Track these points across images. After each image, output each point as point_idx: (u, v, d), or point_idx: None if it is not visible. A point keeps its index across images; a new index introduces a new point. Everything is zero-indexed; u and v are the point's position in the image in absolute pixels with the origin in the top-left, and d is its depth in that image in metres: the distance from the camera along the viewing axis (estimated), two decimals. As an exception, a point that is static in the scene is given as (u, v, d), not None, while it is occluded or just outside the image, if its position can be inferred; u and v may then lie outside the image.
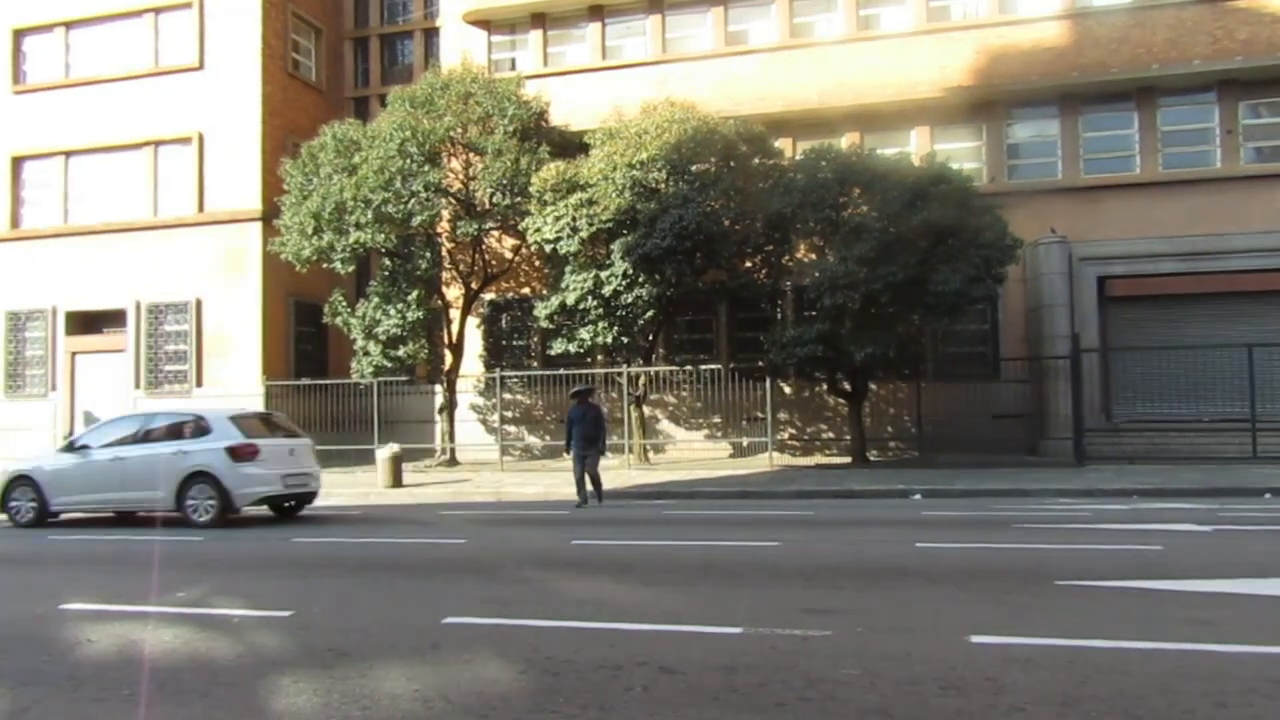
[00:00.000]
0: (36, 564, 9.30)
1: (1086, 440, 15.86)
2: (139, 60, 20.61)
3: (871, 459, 17.49)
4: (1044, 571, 6.96)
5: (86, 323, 20.79)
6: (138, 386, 20.07)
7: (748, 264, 17.40)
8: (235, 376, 19.44)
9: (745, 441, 18.53)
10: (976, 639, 4.97)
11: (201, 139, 19.95)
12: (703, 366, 18.15)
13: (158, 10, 20.47)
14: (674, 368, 18.73)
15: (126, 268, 20.21)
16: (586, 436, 12.88)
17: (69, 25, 21.16)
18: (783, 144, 18.69)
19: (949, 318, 15.80)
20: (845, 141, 18.58)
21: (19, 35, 21.52)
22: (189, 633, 5.75)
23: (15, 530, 12.00)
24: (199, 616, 6.19)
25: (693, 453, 19.09)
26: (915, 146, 18.83)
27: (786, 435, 19.09)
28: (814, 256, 16.90)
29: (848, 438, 17.83)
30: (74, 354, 20.73)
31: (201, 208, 19.91)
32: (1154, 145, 18.08)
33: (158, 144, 20.35)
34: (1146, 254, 17.54)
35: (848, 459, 17.48)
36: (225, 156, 19.86)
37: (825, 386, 17.87)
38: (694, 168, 16.52)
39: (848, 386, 17.03)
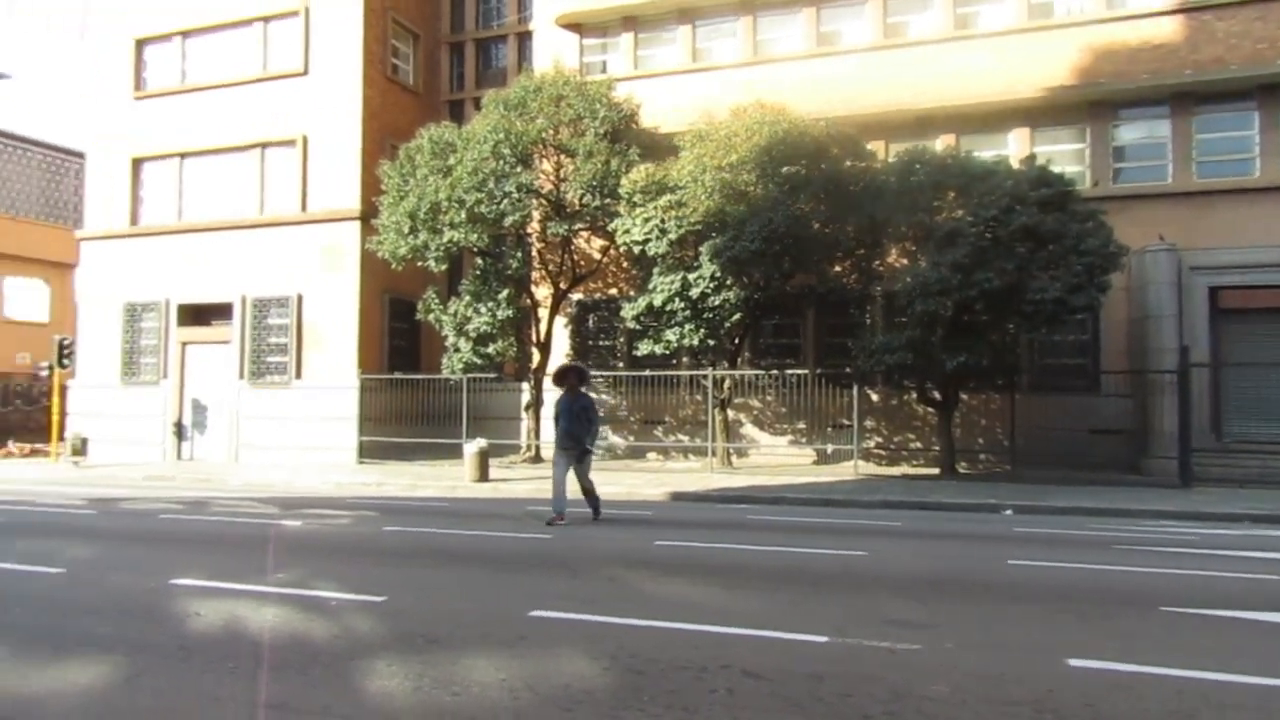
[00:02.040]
0: (148, 541, 9.81)
1: (1194, 460, 15.10)
2: (249, 67, 21.53)
3: (961, 471, 17.02)
4: (1148, 596, 6.66)
5: (196, 315, 21.83)
6: (241, 377, 20.96)
7: (837, 268, 17.16)
8: (332, 369, 20.13)
9: (830, 448, 18.28)
10: (1075, 662, 4.80)
11: (305, 141, 20.73)
12: (788, 371, 17.97)
13: (267, 19, 21.36)
14: (759, 371, 18.60)
15: (234, 263, 21.14)
16: (572, 433, 10.79)
17: (185, 34, 22.26)
18: (875, 146, 18.36)
19: (1047, 327, 15.26)
20: (940, 144, 18.15)
21: (141, 45, 22.73)
22: (289, 612, 5.99)
23: (129, 509, 12.68)
24: (298, 597, 6.43)
25: (776, 458, 18.93)
26: (1014, 149, 18.25)
27: (872, 443, 18.74)
28: (905, 261, 16.55)
29: (936, 448, 17.40)
30: (184, 344, 21.78)
31: (304, 207, 20.68)
32: (1276, 147, 17.09)
33: (265, 146, 21.23)
34: (1264, 264, 16.58)
35: (935, 470, 17.06)
36: (327, 158, 20.59)
37: (914, 395, 17.49)
38: (784, 170, 16.37)
39: (937, 395, 16.62)
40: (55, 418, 21.96)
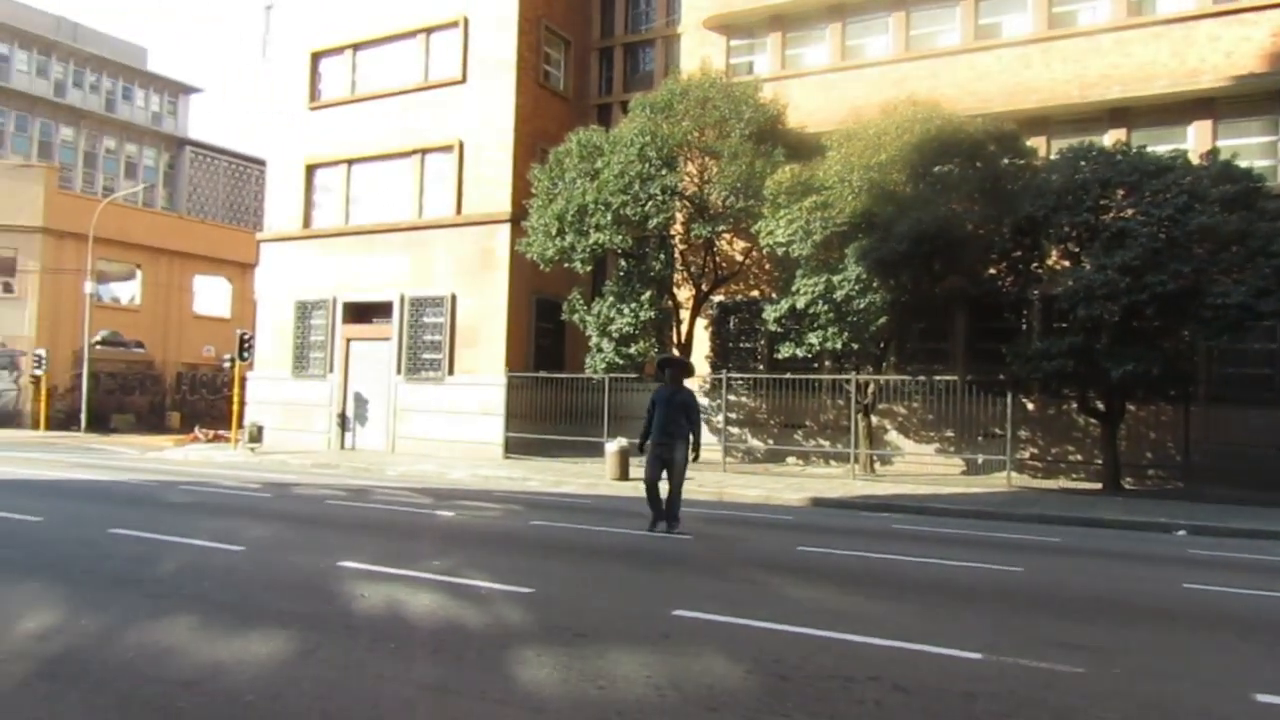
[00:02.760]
0: (317, 524, 10.50)
1: (1402, 482, 13.61)
2: (411, 76, 22.67)
3: (1126, 487, 15.96)
4: (1346, 629, 6.06)
5: (359, 313, 23.17)
6: (399, 372, 22.10)
7: (991, 270, 16.43)
8: (482, 367, 20.94)
9: (980, 458, 17.52)
10: (1264, 698, 4.43)
11: (461, 146, 21.64)
12: (937, 377, 17.35)
13: (429, 30, 22.43)
14: (906, 377, 18.04)
15: (394, 264, 22.32)
16: (666, 428, 9.66)
17: (356, 47, 23.68)
18: (1035, 143, 17.48)
19: (1228, 335, 14.06)
20: (1108, 139, 17.10)
21: (316, 58, 24.35)
22: (443, 598, 6.27)
23: (299, 494, 13.62)
24: (452, 585, 6.72)
25: (921, 466, 18.31)
26: (1193, 143, 16.97)
27: (1027, 454, 17.84)
28: (1067, 264, 15.66)
29: (1098, 462, 16.39)
30: (348, 340, 23.17)
31: (459, 210, 21.60)
32: None
33: (424, 152, 22.30)
34: None
35: (1097, 485, 16.07)
36: (481, 163, 21.42)
37: (1074, 404, 16.53)
38: (936, 169, 15.84)
39: (1101, 406, 15.65)
40: (235, 407, 23.81)
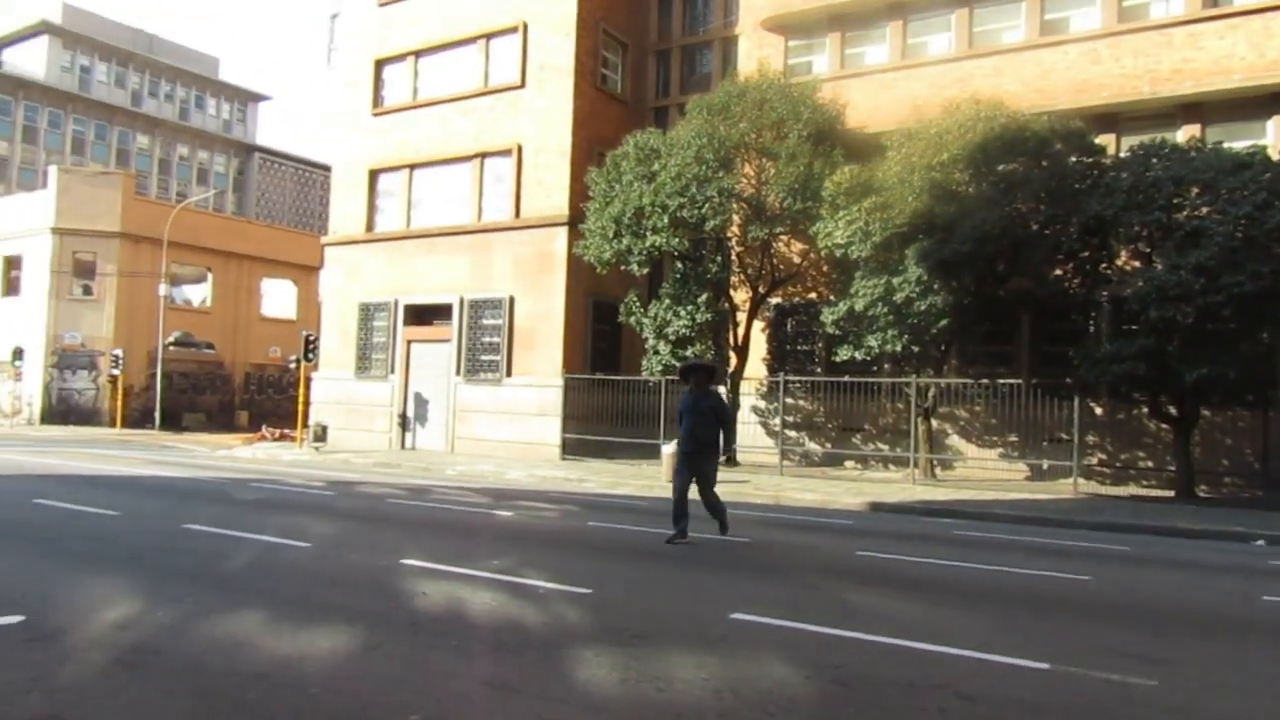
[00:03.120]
0: (379, 522, 10.71)
1: None
2: (470, 81, 23.00)
3: (1200, 495, 15.43)
4: None
5: (419, 315, 23.55)
6: (458, 373, 22.42)
7: (1057, 271, 16.01)
8: (539, 368, 21.13)
9: (1045, 464, 17.10)
10: (1348, 715, 4.25)
11: (520, 150, 21.87)
12: (1000, 380, 16.98)
13: (489, 36, 22.72)
14: (967, 380, 17.70)
15: (453, 267, 22.66)
16: (695, 435, 9.39)
17: (418, 54, 24.10)
18: (1104, 140, 17.00)
19: (1312, 337, 13.52)
20: (1181, 135, 16.55)
21: (379, 65, 24.85)
22: (503, 597, 6.35)
23: (362, 492, 13.90)
24: (511, 584, 6.80)
25: (984, 472, 17.94)
26: (1272, 138, 16.35)
27: (1094, 460, 17.36)
28: (1138, 264, 15.20)
29: (1170, 468, 15.87)
30: (409, 342, 23.58)
31: (517, 213, 21.83)
32: None
33: (484, 156, 22.59)
34: None
35: (1169, 492, 15.56)
36: (539, 166, 21.63)
37: (1145, 409, 16.03)
38: (1000, 168, 15.51)
39: (1173, 410, 15.15)
40: (300, 406, 24.41)
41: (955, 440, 18.78)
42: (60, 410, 33.23)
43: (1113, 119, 17.75)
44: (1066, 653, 5.21)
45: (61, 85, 68.04)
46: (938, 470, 17.63)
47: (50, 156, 63.50)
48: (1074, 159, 15.73)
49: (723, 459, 9.81)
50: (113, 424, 32.27)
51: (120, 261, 33.87)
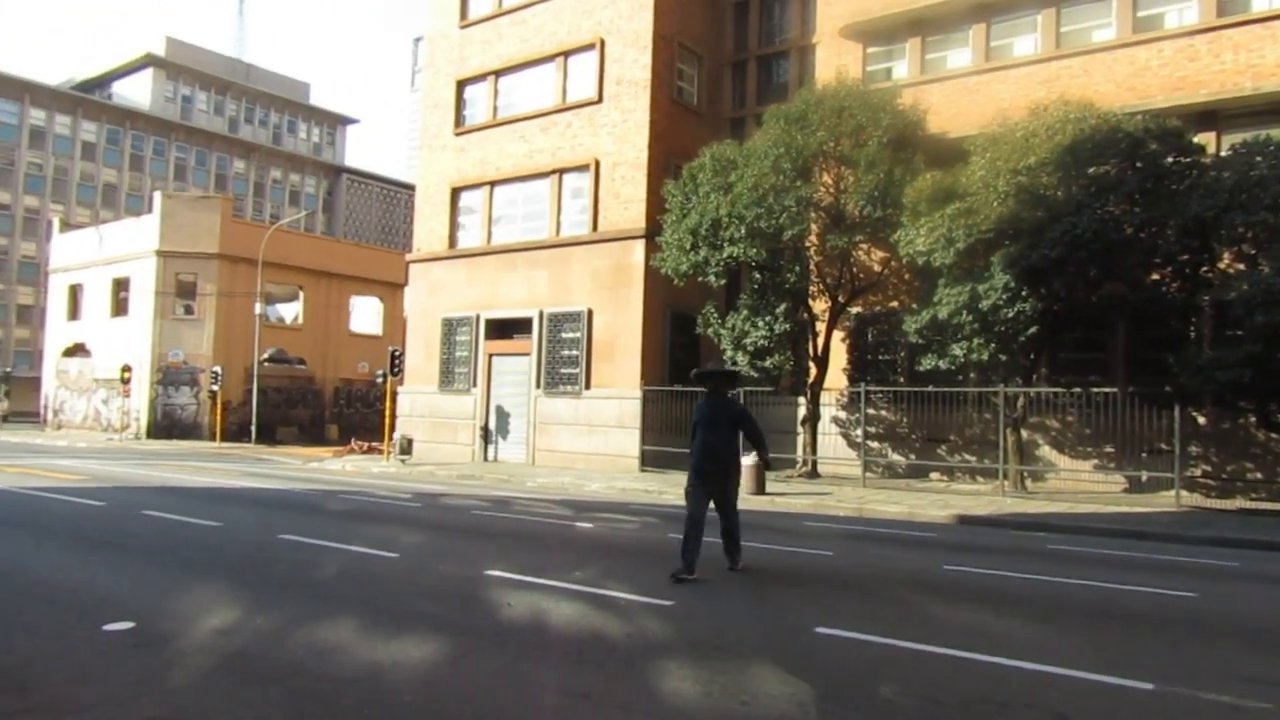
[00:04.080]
0: (464, 534, 10.92)
1: None
2: (548, 98, 23.39)
3: (1316, 509, 14.56)
4: None
5: (500, 329, 23.97)
6: (538, 386, 22.72)
7: (1154, 276, 15.36)
8: (618, 380, 21.25)
9: (1144, 476, 16.38)
10: None
11: (597, 165, 22.11)
12: (1094, 389, 16.35)
13: (566, 53, 23.07)
14: (1059, 389, 17.10)
15: (532, 281, 23.01)
16: (711, 449, 7.94)
17: (498, 73, 24.62)
18: (1204, 139, 16.29)
19: None
20: (1288, 131, 15.72)
21: (461, 85, 25.48)
22: (585, 608, 6.39)
23: (447, 504, 14.19)
24: (593, 595, 6.85)
25: (1077, 484, 17.29)
26: (1390, 131, 15.40)
27: (1198, 472, 16.55)
28: (1242, 267, 14.49)
29: (1282, 481, 15.03)
30: (490, 356, 24.00)
31: (595, 227, 22.05)
32: None
33: (562, 171, 22.92)
34: None
35: (1281, 506, 14.74)
36: (616, 180, 21.83)
37: (1252, 418, 15.23)
38: (1091, 171, 14.98)
39: (1284, 420, 14.36)
40: (387, 420, 25.07)
41: (1046, 451, 18.16)
42: (164, 425, 34.88)
43: (1212, 117, 16.99)
44: (1173, 672, 4.98)
45: (165, 114, 71.76)
46: (1028, 482, 17.06)
47: (155, 183, 67.03)
48: (1170, 159, 15.09)
49: (764, 465, 8.16)
50: (212, 438, 33.70)
51: (219, 281, 35.44)
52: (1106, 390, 16.12)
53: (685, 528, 7.71)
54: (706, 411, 8.10)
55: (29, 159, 63.35)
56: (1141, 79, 17.46)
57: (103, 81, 74.53)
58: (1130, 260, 14.71)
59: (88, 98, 68.40)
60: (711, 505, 8.08)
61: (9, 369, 45.42)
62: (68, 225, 45.46)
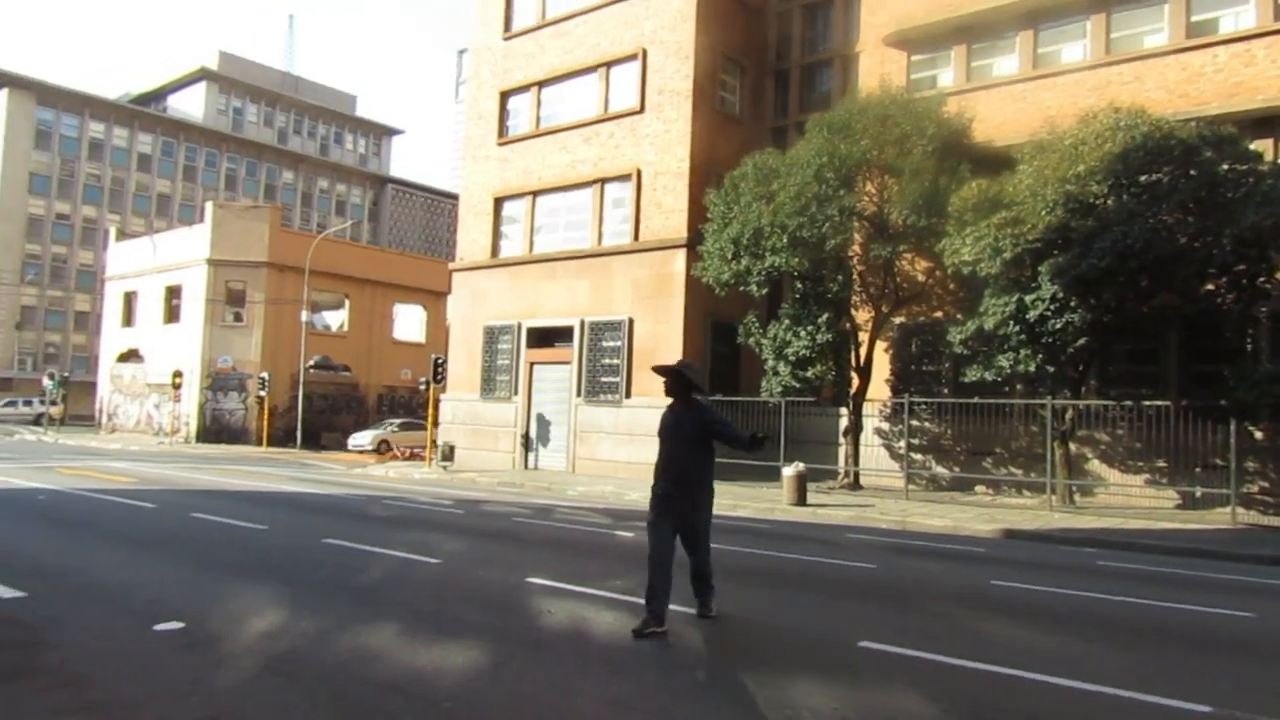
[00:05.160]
0: (505, 540, 10.97)
1: None
2: (591, 108, 23.52)
3: (1380, 528, 14.05)
4: None
5: (541, 337, 24.10)
6: (578, 394, 22.79)
7: (1209, 286, 14.97)
8: (659, 389, 21.13)
9: (1199, 492, 15.94)
10: None
11: (639, 174, 22.17)
12: (1145, 402, 15.97)
13: (609, 64, 23.20)
14: (1109, 402, 16.72)
15: (574, 290, 23.12)
16: (674, 468, 6.45)
17: (541, 84, 24.84)
18: (1261, 146, 15.88)
19: None
20: (1351, 137, 15.27)
21: (504, 96, 25.74)
22: (624, 617, 6.36)
23: (488, 511, 14.28)
24: (633, 604, 6.80)
25: (1128, 499, 16.87)
26: None
27: (1255, 488, 16.07)
28: (1302, 277, 14.09)
29: (1344, 499, 14.53)
30: (532, 364, 24.15)
31: (636, 236, 22.10)
32: None
33: (603, 181, 23.02)
34: None
35: (1344, 525, 14.24)
36: (658, 189, 21.86)
37: (1313, 434, 14.77)
38: (1142, 179, 14.66)
39: (1347, 436, 13.90)
40: (430, 426, 25.32)
41: (1096, 465, 17.77)
42: (213, 429, 35.60)
43: (1269, 123, 16.56)
44: (1230, 695, 4.83)
45: (217, 126, 73.57)
46: (1077, 497, 16.70)
47: (206, 193, 68.66)
48: (1225, 167, 14.73)
49: (758, 445, 6.43)
50: (259, 442, 34.31)
51: (267, 289, 36.13)
52: (1159, 403, 15.74)
53: (649, 569, 6.02)
54: (670, 422, 6.67)
55: (88, 170, 65.32)
56: (1195, 85, 17.09)
57: (158, 95, 76.68)
58: (1184, 270, 14.37)
59: (144, 111, 70.41)
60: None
61: (66, 373, 46.68)
62: (123, 234, 46.81)
